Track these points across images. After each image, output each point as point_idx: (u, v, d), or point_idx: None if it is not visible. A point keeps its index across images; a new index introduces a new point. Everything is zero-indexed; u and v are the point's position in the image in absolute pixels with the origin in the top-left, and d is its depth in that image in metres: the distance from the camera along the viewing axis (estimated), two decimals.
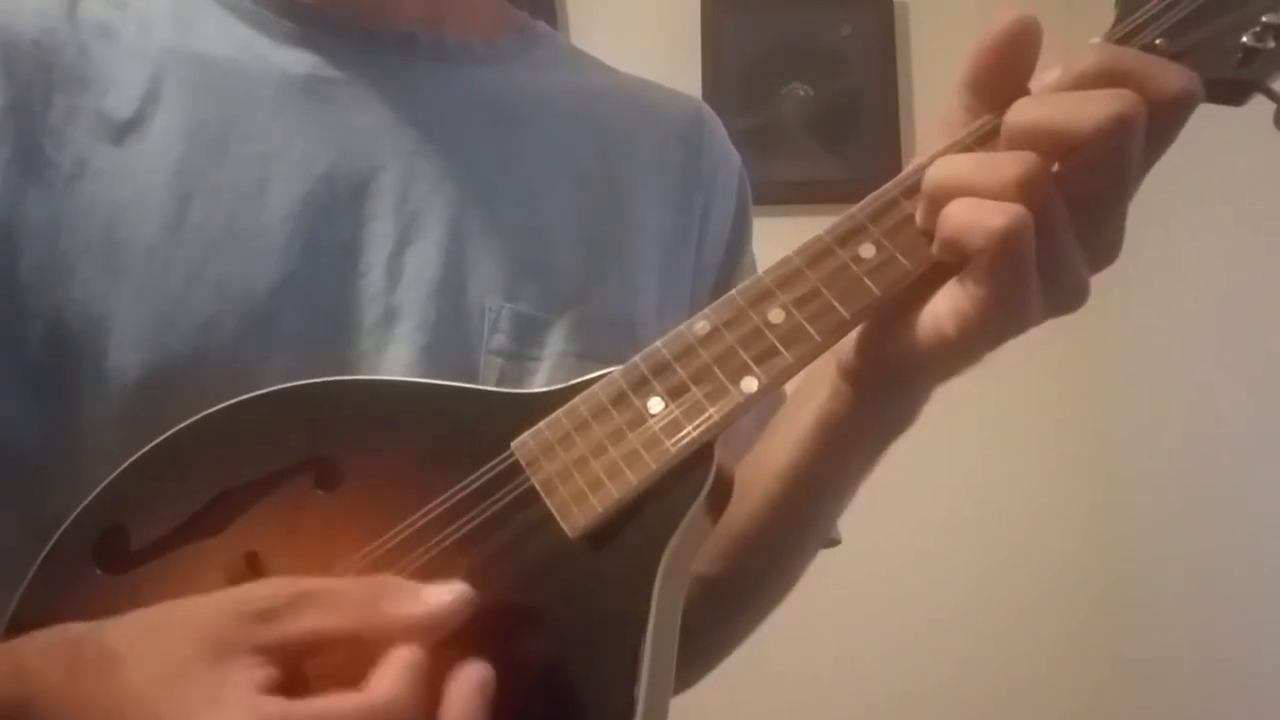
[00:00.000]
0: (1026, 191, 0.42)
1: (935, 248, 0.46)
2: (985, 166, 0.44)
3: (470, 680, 0.41)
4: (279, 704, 0.39)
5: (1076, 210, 0.44)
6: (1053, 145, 0.43)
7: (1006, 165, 0.43)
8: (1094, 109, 0.42)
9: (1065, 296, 0.46)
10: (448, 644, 0.41)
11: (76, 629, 0.44)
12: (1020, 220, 0.42)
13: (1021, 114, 0.44)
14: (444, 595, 0.42)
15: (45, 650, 0.44)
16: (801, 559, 0.65)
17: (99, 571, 0.49)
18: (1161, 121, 0.43)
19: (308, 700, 0.39)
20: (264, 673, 0.39)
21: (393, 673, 0.40)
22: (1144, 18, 0.46)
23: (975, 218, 0.43)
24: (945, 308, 0.46)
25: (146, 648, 0.42)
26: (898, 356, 0.49)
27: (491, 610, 0.43)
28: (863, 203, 0.48)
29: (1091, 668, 1.73)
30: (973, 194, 0.43)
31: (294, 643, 0.40)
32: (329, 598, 0.42)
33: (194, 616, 0.42)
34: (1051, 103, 0.44)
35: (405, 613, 0.41)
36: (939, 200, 0.45)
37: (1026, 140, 0.44)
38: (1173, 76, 0.43)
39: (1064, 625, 1.76)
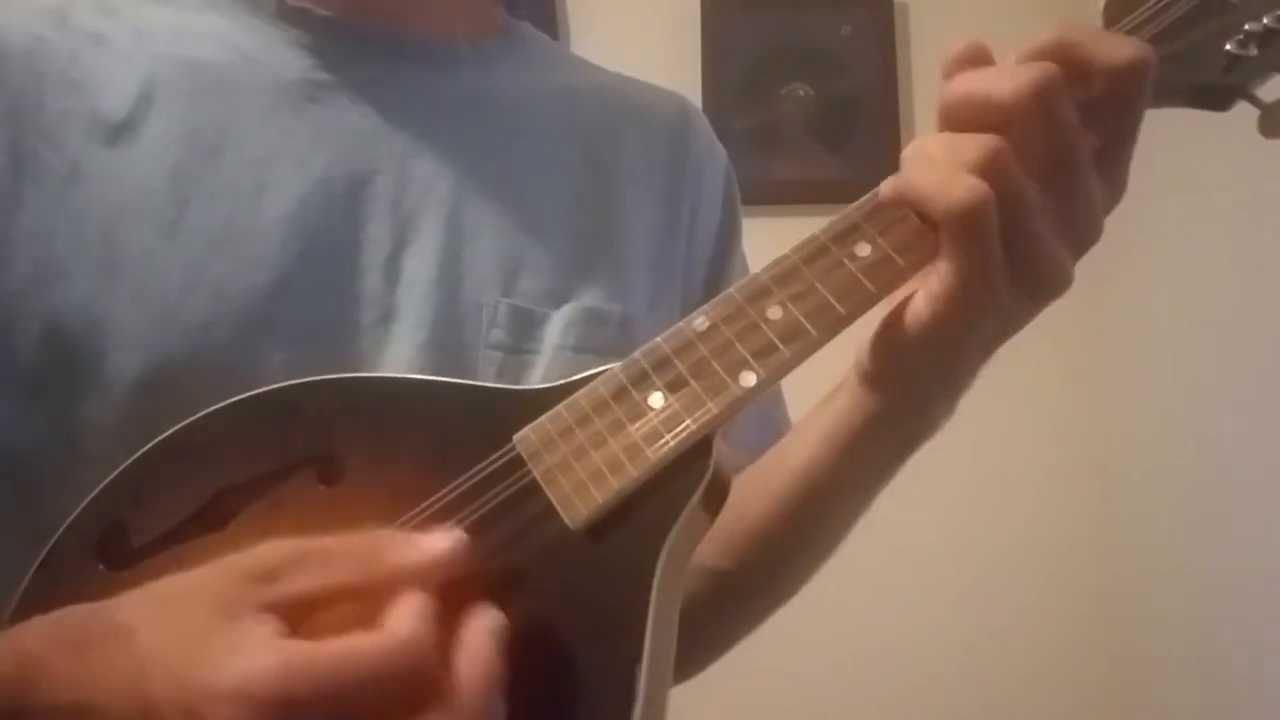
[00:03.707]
0: (988, 167, 0.44)
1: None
2: (950, 144, 0.46)
3: (483, 626, 0.42)
4: (302, 644, 0.39)
5: (1045, 186, 0.46)
6: (980, 112, 0.46)
7: (968, 143, 0.45)
8: (1014, 77, 0.45)
9: (1042, 277, 0.47)
10: (451, 622, 0.42)
11: (79, 610, 0.44)
12: (980, 194, 0.44)
13: (952, 87, 0.47)
14: (442, 542, 0.43)
15: (47, 633, 0.44)
16: (811, 561, 0.65)
17: (102, 568, 0.49)
18: (1117, 91, 0.46)
19: (329, 640, 0.40)
20: (278, 626, 0.40)
21: (407, 614, 0.40)
22: (1131, 25, 0.47)
23: (938, 188, 0.45)
24: (921, 295, 0.47)
25: (157, 617, 0.42)
26: (901, 358, 0.50)
27: (494, 600, 0.43)
28: (858, 202, 0.49)
29: (1091, 668, 1.74)
30: (936, 169, 0.46)
31: (301, 598, 0.41)
32: (330, 554, 0.42)
33: (200, 584, 0.43)
34: (977, 75, 0.47)
35: (406, 561, 0.42)
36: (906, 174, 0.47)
37: (960, 109, 0.47)
38: (1121, 45, 0.45)
39: (1064, 625, 1.76)
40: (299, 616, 0.41)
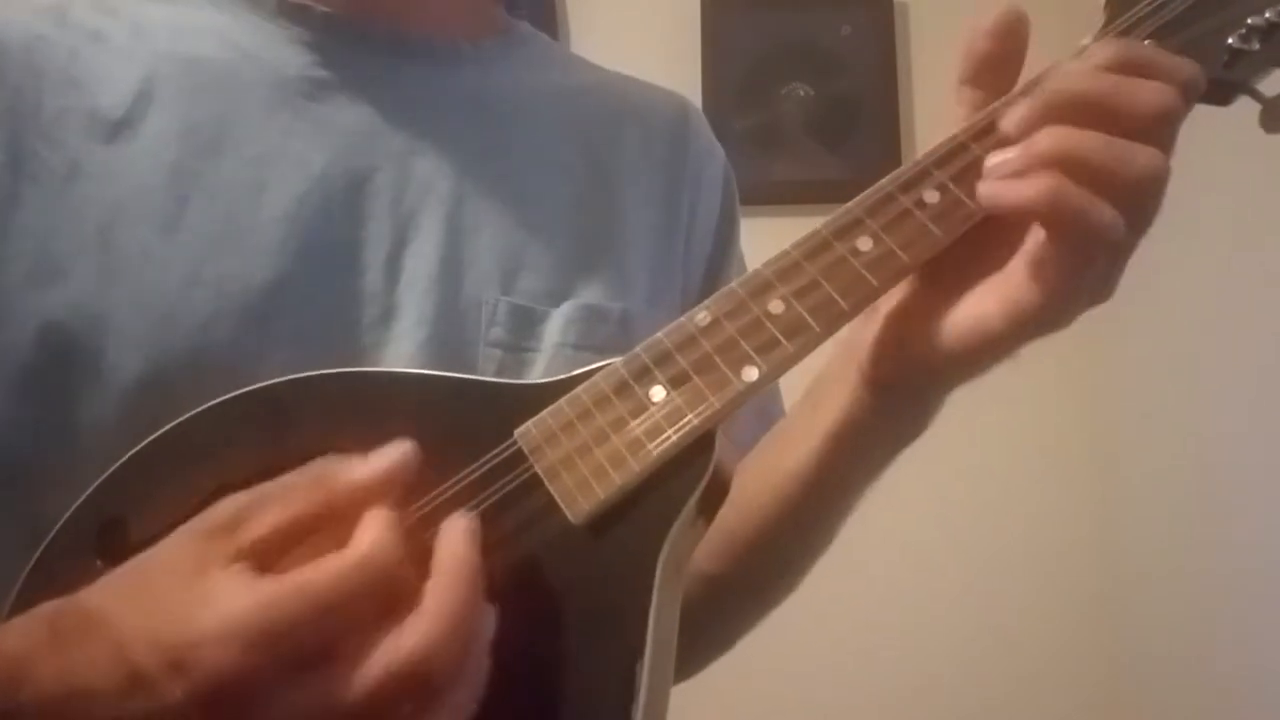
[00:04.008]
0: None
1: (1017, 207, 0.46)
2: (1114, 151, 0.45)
3: (458, 525, 0.43)
4: (274, 577, 0.40)
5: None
6: (1097, 119, 0.44)
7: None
8: (1150, 94, 0.44)
9: (1110, 285, 0.48)
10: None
11: (50, 604, 0.44)
12: (1117, 226, 0.44)
13: (1078, 82, 0.45)
14: (390, 452, 0.44)
15: (24, 631, 0.44)
16: (809, 560, 0.66)
17: (99, 563, 0.48)
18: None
19: (297, 570, 0.41)
20: (249, 568, 0.41)
21: (370, 527, 0.42)
22: (1133, 20, 0.47)
23: (1088, 209, 0.44)
24: (997, 308, 0.47)
25: (126, 594, 0.43)
26: (927, 361, 0.50)
27: (495, 596, 0.43)
28: (859, 197, 0.50)
29: (1091, 668, 1.74)
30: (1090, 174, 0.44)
31: (264, 539, 0.42)
32: (283, 491, 0.43)
33: (163, 556, 0.43)
34: (1108, 79, 0.45)
35: (358, 478, 0.43)
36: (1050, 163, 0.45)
37: (1075, 107, 0.45)
38: (1185, 67, 0.45)
39: (1064, 625, 1.76)
40: (269, 557, 0.42)
